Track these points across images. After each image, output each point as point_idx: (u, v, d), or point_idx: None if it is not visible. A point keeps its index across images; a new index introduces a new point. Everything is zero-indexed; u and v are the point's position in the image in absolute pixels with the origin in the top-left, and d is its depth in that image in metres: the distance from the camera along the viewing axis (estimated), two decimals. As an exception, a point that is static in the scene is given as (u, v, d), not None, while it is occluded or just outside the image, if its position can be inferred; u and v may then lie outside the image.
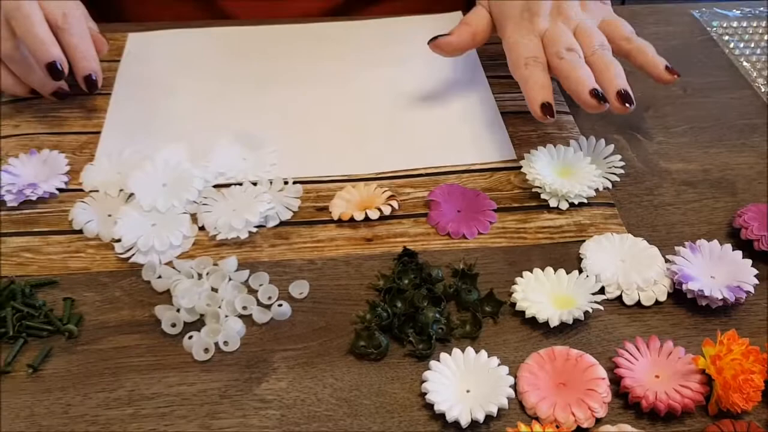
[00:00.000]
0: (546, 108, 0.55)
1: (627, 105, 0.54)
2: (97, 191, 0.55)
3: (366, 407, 0.44)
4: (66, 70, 0.59)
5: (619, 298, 0.50)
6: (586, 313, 0.47)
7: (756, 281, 0.49)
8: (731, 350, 0.43)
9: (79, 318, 0.48)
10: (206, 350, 0.47)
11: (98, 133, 0.61)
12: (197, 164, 0.57)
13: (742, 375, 0.42)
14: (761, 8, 0.77)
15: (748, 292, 0.48)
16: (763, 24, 0.75)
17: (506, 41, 0.60)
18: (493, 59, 0.69)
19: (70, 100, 0.64)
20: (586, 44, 0.57)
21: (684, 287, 0.48)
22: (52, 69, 0.58)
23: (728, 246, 0.51)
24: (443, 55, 0.63)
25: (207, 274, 0.50)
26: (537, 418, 0.43)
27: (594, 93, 0.53)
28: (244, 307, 0.49)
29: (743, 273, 0.49)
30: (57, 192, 0.56)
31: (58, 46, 0.59)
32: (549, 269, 0.51)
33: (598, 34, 0.58)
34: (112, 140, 0.60)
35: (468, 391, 0.44)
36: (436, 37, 0.62)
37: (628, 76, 0.55)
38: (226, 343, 0.47)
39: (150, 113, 0.63)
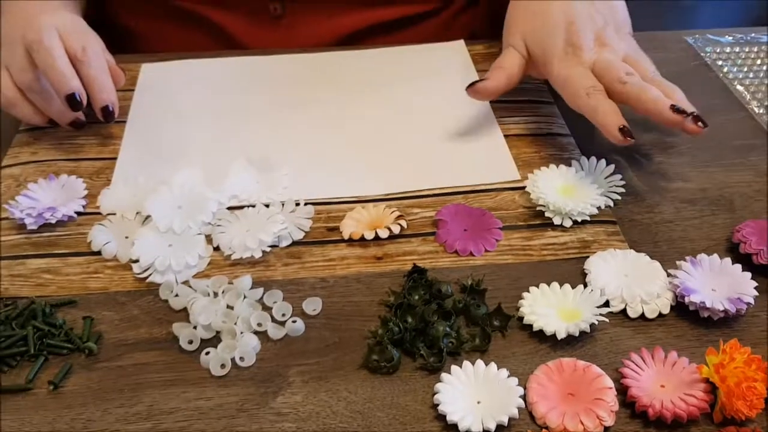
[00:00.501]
0: (625, 131, 0.56)
1: (701, 126, 0.56)
2: (114, 214, 0.57)
3: (380, 419, 0.45)
4: (84, 102, 0.61)
5: (624, 311, 0.51)
6: (592, 325, 0.49)
7: (756, 293, 0.50)
8: (734, 359, 0.44)
9: (98, 336, 0.49)
10: (223, 366, 0.48)
11: (114, 159, 0.63)
12: (212, 187, 0.59)
13: (746, 382, 0.43)
14: (753, 34, 0.80)
15: (748, 304, 0.50)
16: (755, 49, 0.78)
17: (556, 78, 0.62)
18: (495, 85, 0.72)
19: (86, 128, 0.65)
20: (641, 70, 0.59)
21: (686, 300, 0.50)
22: (72, 100, 0.60)
23: (728, 260, 0.53)
24: (479, 99, 0.65)
25: (223, 292, 0.52)
26: (547, 428, 0.44)
27: (675, 109, 0.55)
28: (259, 324, 0.50)
29: (743, 285, 0.51)
30: (75, 215, 0.57)
31: (78, 79, 0.61)
32: (555, 284, 0.52)
33: (646, 60, 0.61)
34: (128, 165, 0.62)
35: (479, 402, 0.45)
36: (473, 83, 0.64)
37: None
38: (242, 358, 0.48)
39: (164, 139, 0.65)
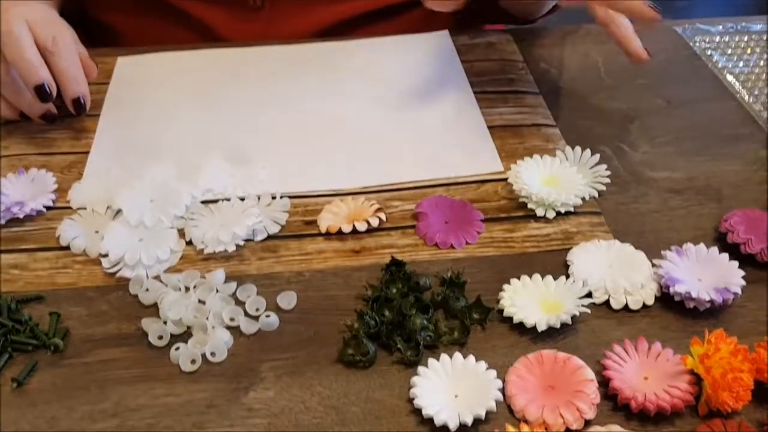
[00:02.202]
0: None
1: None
2: (84, 208, 0.56)
3: (354, 414, 0.44)
4: (54, 93, 0.60)
5: (607, 302, 0.50)
6: (573, 317, 0.47)
7: (743, 282, 0.49)
8: (719, 349, 0.43)
9: (65, 332, 0.48)
10: (193, 361, 0.46)
11: (86, 153, 0.61)
12: (185, 181, 0.57)
13: (731, 373, 0.42)
14: (743, 23, 0.79)
15: (735, 294, 0.48)
16: (745, 38, 0.76)
17: None
18: (479, 75, 0.70)
19: (59, 121, 0.64)
20: None
21: (671, 290, 0.48)
22: (41, 91, 0.59)
23: (715, 249, 0.51)
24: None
25: (194, 287, 0.50)
26: (525, 421, 0.42)
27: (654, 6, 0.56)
28: (232, 319, 0.49)
29: (730, 275, 0.49)
30: (44, 210, 0.56)
31: (47, 69, 0.59)
32: (536, 276, 0.51)
33: None
34: (101, 159, 0.61)
35: (456, 396, 0.44)
36: None
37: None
38: (213, 353, 0.47)
39: (138, 133, 0.64)
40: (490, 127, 0.65)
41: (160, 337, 0.48)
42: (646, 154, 0.62)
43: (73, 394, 0.45)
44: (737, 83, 0.70)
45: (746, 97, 0.68)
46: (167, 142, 0.63)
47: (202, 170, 0.58)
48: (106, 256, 0.52)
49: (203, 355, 0.47)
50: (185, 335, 0.48)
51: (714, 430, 0.41)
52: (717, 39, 0.76)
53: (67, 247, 0.53)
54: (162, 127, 0.64)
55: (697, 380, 0.44)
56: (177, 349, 0.47)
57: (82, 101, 0.61)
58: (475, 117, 0.66)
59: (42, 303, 0.50)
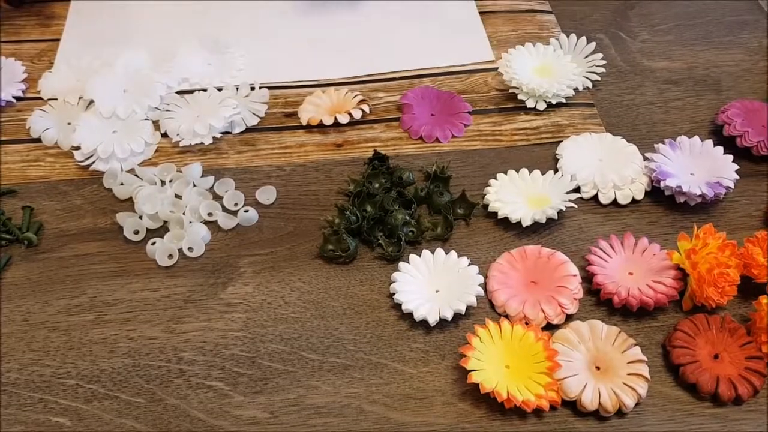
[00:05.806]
0: None
1: None
2: (55, 99, 0.53)
3: (334, 309, 0.43)
4: None
5: (595, 197, 0.48)
6: (560, 212, 0.46)
7: (736, 177, 0.47)
8: (707, 244, 0.42)
9: (38, 226, 0.47)
10: (170, 256, 0.45)
11: (57, 40, 0.58)
12: (160, 70, 0.55)
13: (718, 269, 0.41)
14: None
15: (727, 188, 0.47)
16: None
17: None
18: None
19: (28, 7, 0.61)
20: None
21: (662, 184, 0.47)
22: None
23: (709, 142, 0.49)
24: None
25: (170, 180, 0.49)
26: (506, 316, 0.42)
27: None
28: (210, 213, 0.47)
29: (724, 169, 0.48)
30: (14, 101, 0.54)
31: None
32: (524, 170, 0.49)
33: None
34: (72, 47, 0.58)
35: (437, 291, 0.43)
36: None
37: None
38: (190, 248, 0.46)
39: (111, 19, 0.60)
40: (481, 13, 0.61)
41: (136, 232, 0.46)
42: (645, 42, 0.59)
43: (49, 289, 0.44)
44: (746, -33, 0.66)
45: (754, -18, 0.64)
46: (141, 28, 0.59)
47: (178, 58, 0.56)
48: (78, 148, 0.50)
49: (180, 250, 0.46)
50: (162, 230, 0.47)
51: (697, 325, 0.41)
52: None
53: (39, 140, 0.51)
54: (136, 12, 0.61)
55: (682, 275, 0.43)
56: (153, 243, 0.45)
57: None
58: (467, 2, 0.62)
59: (14, 197, 0.49)
